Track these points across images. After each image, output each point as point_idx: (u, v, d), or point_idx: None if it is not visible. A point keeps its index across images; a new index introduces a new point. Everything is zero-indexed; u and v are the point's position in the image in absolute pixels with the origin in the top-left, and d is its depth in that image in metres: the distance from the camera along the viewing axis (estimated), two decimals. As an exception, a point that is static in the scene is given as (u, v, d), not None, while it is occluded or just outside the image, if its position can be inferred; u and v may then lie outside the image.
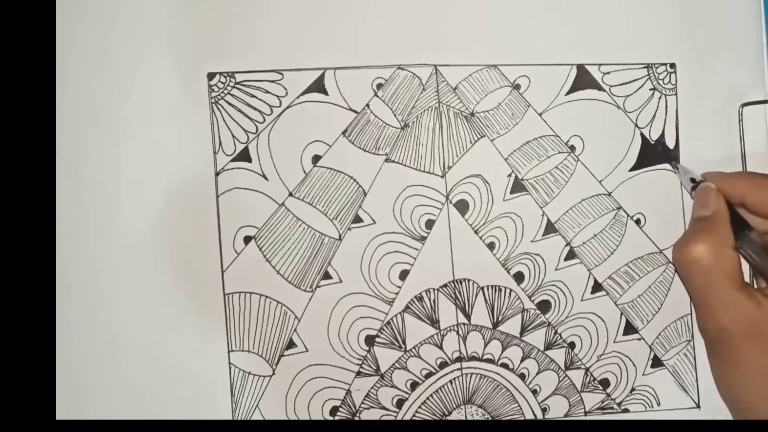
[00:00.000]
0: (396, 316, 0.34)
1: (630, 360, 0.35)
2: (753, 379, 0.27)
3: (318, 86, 0.33)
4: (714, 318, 0.27)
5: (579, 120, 0.35)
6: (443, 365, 0.34)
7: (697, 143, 0.35)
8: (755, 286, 0.32)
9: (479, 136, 0.34)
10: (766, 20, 0.35)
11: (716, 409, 0.35)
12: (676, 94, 0.35)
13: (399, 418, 0.34)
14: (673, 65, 0.35)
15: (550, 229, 0.35)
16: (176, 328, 0.33)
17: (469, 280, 0.34)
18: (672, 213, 0.35)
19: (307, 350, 0.33)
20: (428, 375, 0.34)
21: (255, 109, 0.33)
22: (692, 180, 0.32)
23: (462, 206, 0.34)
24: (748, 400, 0.27)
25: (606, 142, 0.35)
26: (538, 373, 0.35)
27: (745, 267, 0.30)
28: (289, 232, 0.33)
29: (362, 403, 0.34)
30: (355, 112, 0.34)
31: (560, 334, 0.35)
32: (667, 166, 0.35)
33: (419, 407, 0.34)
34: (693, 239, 0.28)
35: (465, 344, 0.34)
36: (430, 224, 0.34)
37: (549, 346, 0.35)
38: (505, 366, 0.35)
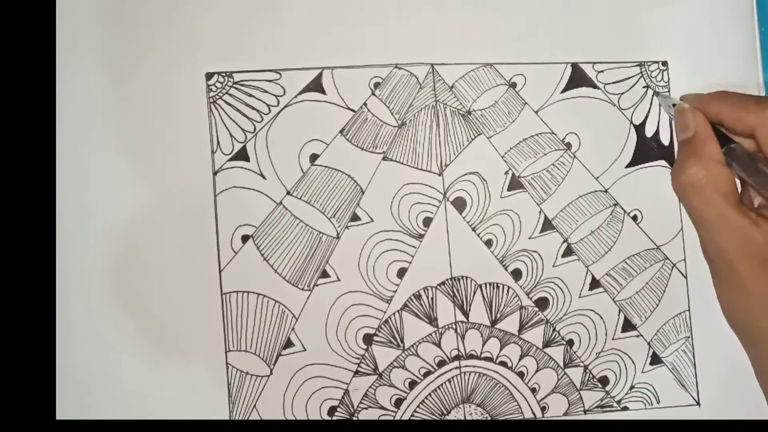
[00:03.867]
0: (394, 314, 0.34)
1: (629, 357, 0.35)
2: (754, 299, 0.26)
3: (316, 85, 0.33)
4: (713, 239, 0.27)
5: (574, 117, 0.35)
6: (442, 364, 0.34)
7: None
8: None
9: (476, 134, 0.34)
10: (759, 18, 0.35)
11: (716, 406, 0.35)
12: (668, 92, 0.35)
13: (398, 417, 0.34)
14: (665, 63, 0.35)
15: (548, 226, 0.35)
16: (174, 328, 0.32)
17: (467, 278, 0.34)
18: (669, 209, 0.35)
19: (304, 349, 0.33)
20: (427, 374, 0.34)
21: (253, 108, 0.33)
22: (674, 106, 0.32)
23: (459, 204, 0.34)
24: (754, 324, 0.27)
25: (602, 139, 0.35)
26: (536, 371, 0.35)
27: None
28: (287, 231, 0.33)
29: (360, 402, 0.34)
30: (352, 110, 0.34)
31: (558, 332, 0.35)
32: (663, 162, 0.35)
33: (418, 406, 0.34)
34: (684, 164, 0.27)
35: (463, 342, 0.34)
36: (427, 222, 0.34)
37: (547, 343, 0.35)
38: (503, 364, 0.34)
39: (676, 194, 0.28)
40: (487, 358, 0.34)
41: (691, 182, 0.27)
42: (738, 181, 0.27)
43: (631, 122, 0.35)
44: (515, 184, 0.35)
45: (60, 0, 0.32)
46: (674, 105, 0.30)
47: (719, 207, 0.27)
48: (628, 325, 0.35)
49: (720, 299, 0.28)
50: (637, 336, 0.35)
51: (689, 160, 0.27)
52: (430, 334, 0.34)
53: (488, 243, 0.34)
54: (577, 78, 0.35)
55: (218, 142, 0.33)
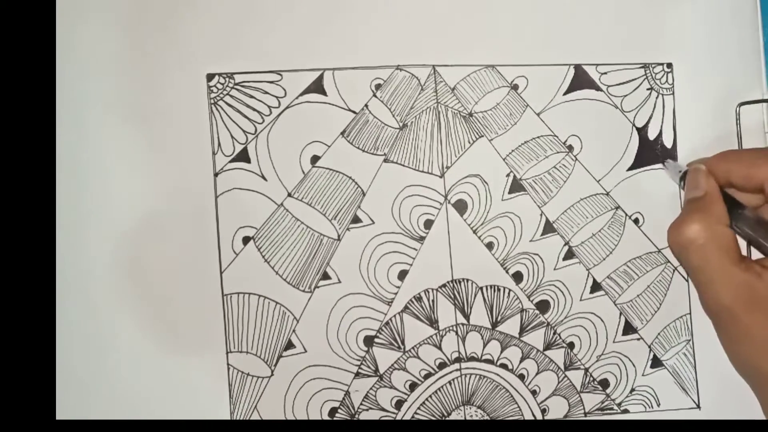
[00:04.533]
0: (395, 316, 0.34)
1: (629, 360, 0.35)
2: (760, 347, 0.27)
3: (317, 87, 0.33)
4: (714, 295, 0.27)
5: (577, 120, 0.35)
6: (442, 366, 0.34)
7: (695, 143, 0.35)
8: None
9: (477, 136, 0.34)
10: (763, 19, 0.35)
11: (717, 409, 0.35)
12: (673, 94, 0.35)
13: (398, 419, 0.34)
14: (669, 65, 0.35)
15: (549, 228, 0.35)
16: (175, 329, 0.33)
17: (467, 280, 0.34)
18: (670, 212, 0.35)
19: (305, 351, 0.33)
20: (427, 376, 0.34)
21: (254, 109, 0.33)
22: (682, 174, 0.32)
23: (461, 206, 0.34)
24: (760, 369, 0.27)
25: (604, 141, 0.35)
26: (537, 374, 0.35)
27: (743, 246, 0.30)
28: (287, 233, 0.33)
29: (361, 404, 0.34)
30: (353, 112, 0.34)
31: (559, 335, 0.35)
32: (665, 164, 0.35)
33: (418, 408, 0.34)
34: (687, 219, 0.28)
35: (464, 345, 0.34)
36: (428, 224, 0.34)
37: (548, 346, 0.35)
38: (504, 366, 0.34)
39: (672, 251, 0.28)
40: (487, 361, 0.34)
41: (692, 239, 0.27)
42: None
43: (634, 125, 0.35)
44: (517, 187, 0.34)
45: (60, 0, 0.32)
46: (682, 172, 0.31)
47: (722, 266, 0.27)
48: (629, 328, 0.35)
49: (726, 349, 0.29)
50: (638, 339, 0.35)
51: (694, 216, 0.28)
52: (431, 336, 0.34)
53: (489, 245, 0.34)
54: (580, 80, 0.35)
55: (219, 144, 0.33)
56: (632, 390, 0.35)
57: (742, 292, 0.26)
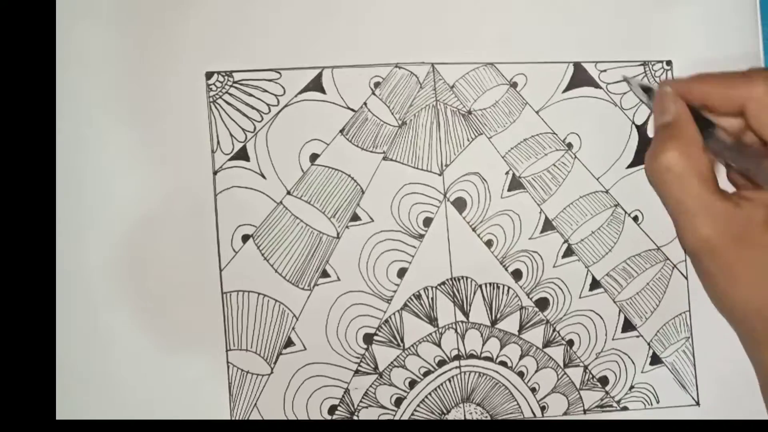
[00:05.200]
0: (394, 314, 0.34)
1: (629, 357, 0.35)
2: (744, 284, 0.26)
3: (316, 85, 0.33)
4: (694, 227, 0.26)
5: (576, 117, 0.35)
6: (442, 363, 0.34)
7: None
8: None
9: (477, 134, 0.34)
10: (762, 16, 0.35)
11: (716, 407, 0.35)
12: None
13: (398, 417, 0.34)
14: (669, 62, 0.35)
15: (548, 226, 0.35)
16: (174, 327, 0.33)
17: (467, 278, 0.34)
18: (670, 210, 0.35)
19: (305, 349, 0.33)
20: (427, 373, 0.34)
21: (253, 107, 0.33)
22: (646, 89, 0.30)
23: (460, 204, 0.34)
24: (743, 307, 0.27)
25: (603, 139, 0.35)
26: (536, 371, 0.35)
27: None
28: (287, 231, 0.33)
29: (360, 401, 0.34)
30: (352, 110, 0.34)
31: (559, 332, 0.35)
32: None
33: (418, 406, 0.34)
34: (662, 148, 0.26)
35: (463, 342, 0.34)
36: (428, 222, 0.34)
37: (547, 343, 0.35)
38: (503, 364, 0.35)
39: (649, 180, 0.27)
40: (487, 358, 0.34)
41: (669, 167, 0.26)
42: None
43: (633, 122, 0.35)
44: (516, 185, 0.34)
45: (60, 0, 0.32)
46: (645, 89, 0.29)
47: (701, 194, 0.26)
48: (628, 326, 0.35)
49: (705, 287, 0.28)
50: (637, 336, 0.35)
51: (668, 143, 0.26)
52: (431, 333, 0.34)
53: (488, 243, 0.34)
54: (579, 77, 0.35)
55: (218, 142, 0.33)
56: (631, 387, 0.35)
57: (722, 223, 0.25)
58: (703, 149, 0.26)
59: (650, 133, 0.35)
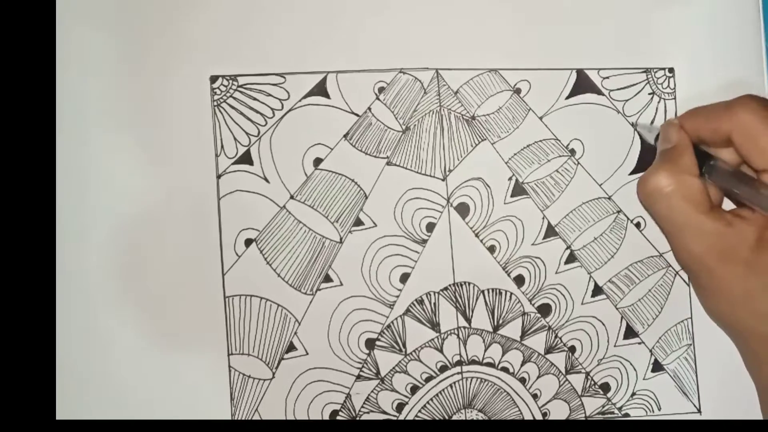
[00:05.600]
0: (396, 319, 0.34)
1: (630, 364, 0.35)
2: (736, 300, 0.26)
3: (320, 89, 0.33)
4: (685, 246, 0.27)
5: (579, 124, 0.35)
6: (443, 369, 0.34)
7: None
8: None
9: (480, 140, 0.34)
10: (765, 24, 0.35)
11: (718, 414, 0.35)
12: (674, 99, 0.35)
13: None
14: (671, 69, 0.35)
15: (551, 232, 0.35)
16: (176, 331, 0.32)
17: (469, 284, 0.34)
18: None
19: (307, 353, 0.33)
20: (428, 379, 0.34)
21: (257, 112, 0.33)
22: (656, 135, 0.32)
23: (463, 209, 0.34)
24: (738, 322, 0.27)
25: (606, 145, 0.35)
26: (538, 377, 0.35)
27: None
28: (290, 235, 0.33)
29: (362, 406, 0.34)
30: (356, 115, 0.34)
31: (561, 338, 0.35)
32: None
33: (419, 411, 0.34)
34: (654, 170, 0.27)
35: (465, 348, 0.34)
36: (430, 227, 0.34)
37: (549, 349, 0.35)
38: (505, 370, 0.34)
39: (641, 202, 0.28)
40: (489, 364, 0.34)
41: (657, 188, 0.27)
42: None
43: (636, 129, 0.35)
44: (519, 190, 0.35)
45: (60, 1, 0.32)
46: (657, 133, 0.31)
47: (689, 215, 0.26)
48: (630, 332, 0.35)
49: (701, 302, 0.28)
50: (639, 343, 0.35)
51: (661, 166, 0.27)
52: (433, 339, 0.34)
53: (491, 249, 0.34)
54: (582, 84, 0.35)
55: (222, 146, 0.33)
56: (633, 394, 0.35)
57: (713, 241, 0.26)
58: (697, 176, 0.27)
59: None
